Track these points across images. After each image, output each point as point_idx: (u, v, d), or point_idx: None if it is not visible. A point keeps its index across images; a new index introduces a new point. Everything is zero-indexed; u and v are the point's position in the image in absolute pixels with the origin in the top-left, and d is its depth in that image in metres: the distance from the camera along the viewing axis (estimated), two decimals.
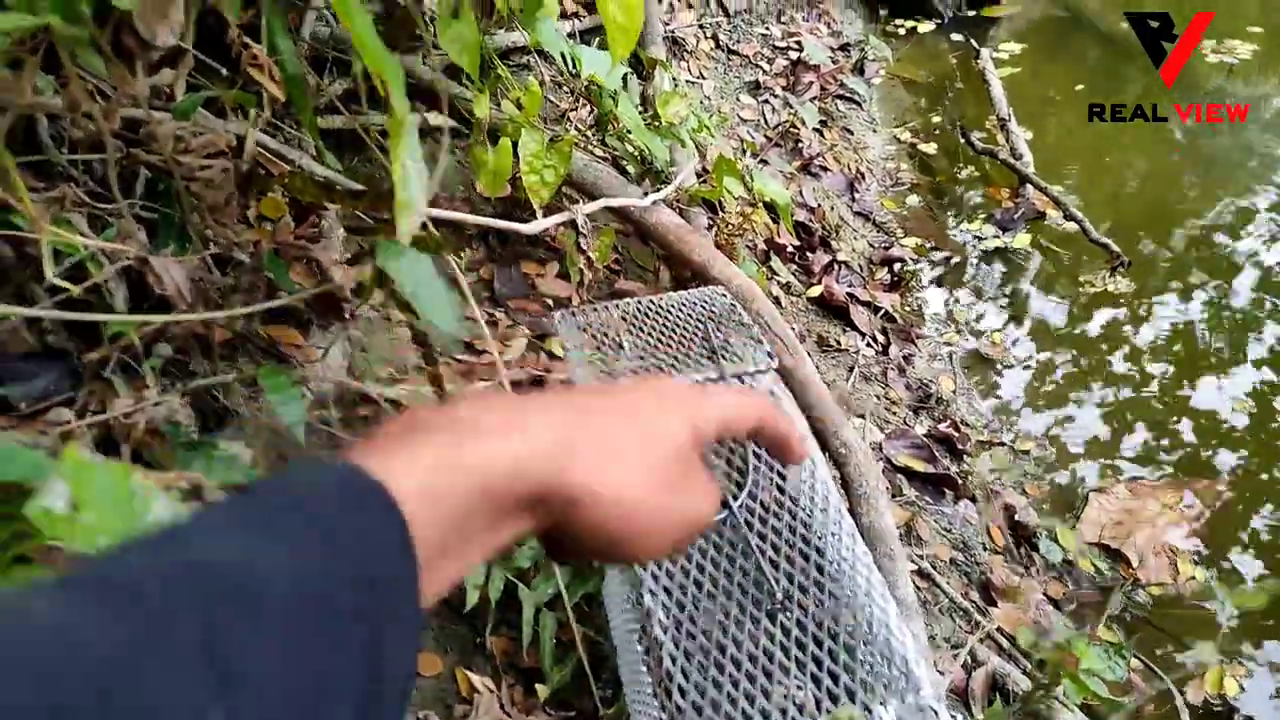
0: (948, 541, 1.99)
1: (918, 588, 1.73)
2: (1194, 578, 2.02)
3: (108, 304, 1.09)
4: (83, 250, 0.99)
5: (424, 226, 0.85)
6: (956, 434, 2.25)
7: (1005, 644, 1.76)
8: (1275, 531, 2.13)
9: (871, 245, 2.96)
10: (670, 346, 1.16)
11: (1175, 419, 2.44)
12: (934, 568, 1.86)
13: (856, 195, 3.12)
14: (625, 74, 1.94)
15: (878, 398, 2.33)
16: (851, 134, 3.48)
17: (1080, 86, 3.97)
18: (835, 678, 0.77)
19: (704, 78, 3.15)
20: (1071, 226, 3.02)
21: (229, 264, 1.19)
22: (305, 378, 1.32)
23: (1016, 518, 2.10)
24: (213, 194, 1.03)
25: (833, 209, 2.93)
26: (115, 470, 0.52)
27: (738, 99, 3.23)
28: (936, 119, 3.71)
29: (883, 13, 4.47)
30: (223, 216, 1.05)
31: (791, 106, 3.30)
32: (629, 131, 1.97)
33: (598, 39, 2.62)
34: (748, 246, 2.31)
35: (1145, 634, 1.90)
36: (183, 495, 0.84)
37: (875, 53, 3.91)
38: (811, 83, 3.47)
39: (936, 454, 2.16)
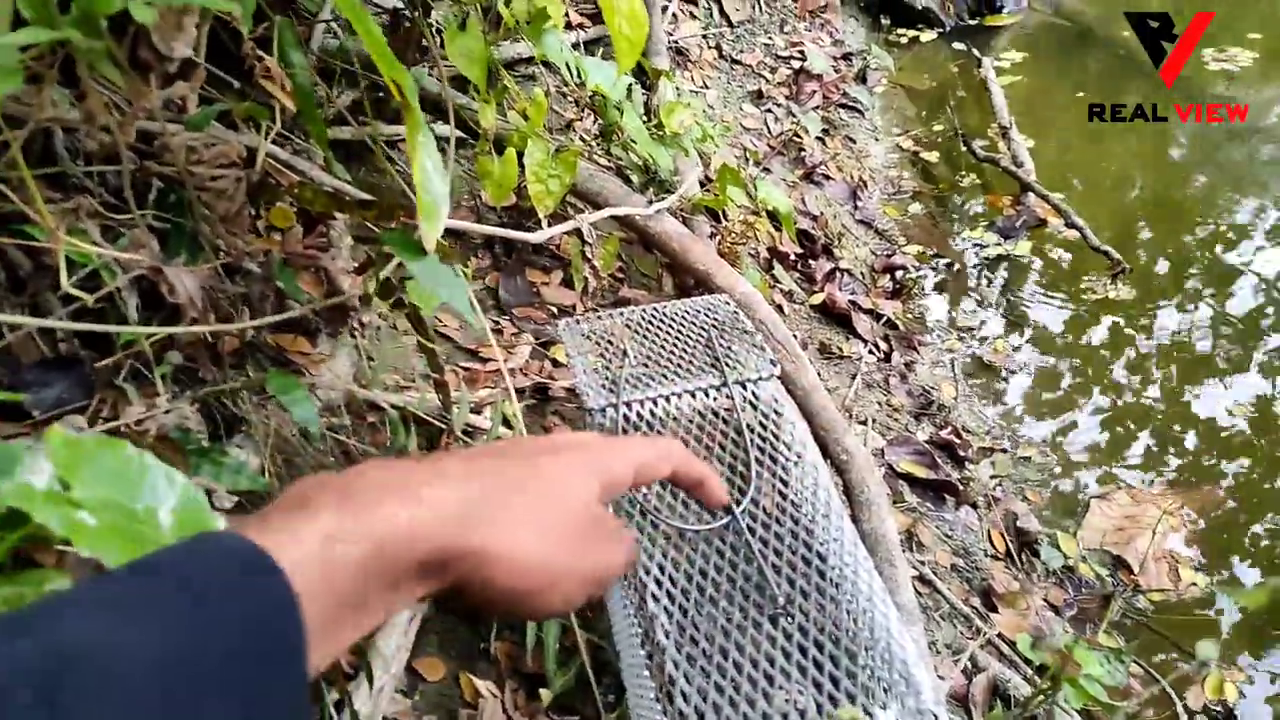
0: (949, 547, 2.00)
1: (919, 593, 1.74)
2: (1195, 584, 2.02)
3: (120, 312, 1.10)
4: (96, 260, 1.01)
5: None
6: (958, 440, 2.27)
7: (1006, 649, 1.77)
8: (1276, 538, 2.14)
9: (874, 253, 2.97)
10: (674, 354, 1.17)
11: (1177, 426, 2.45)
12: (935, 573, 1.87)
13: (859, 203, 3.13)
14: (630, 84, 1.95)
15: (879, 404, 2.34)
16: (854, 142, 3.50)
17: (1081, 94, 3.98)
18: (837, 682, 0.78)
19: (707, 87, 3.17)
20: (1073, 234, 3.03)
21: (238, 273, 1.21)
22: (313, 385, 1.33)
23: (1018, 524, 2.11)
24: (224, 204, 1.05)
25: (835, 217, 2.95)
26: (107, 443, 0.50)
27: (741, 108, 3.24)
28: (938, 127, 3.73)
29: (885, 22, 4.48)
30: (233, 226, 1.07)
31: (794, 115, 3.32)
32: (633, 141, 1.98)
33: (601, 49, 2.64)
34: (751, 254, 2.33)
35: (1145, 640, 1.91)
36: None
37: (877, 62, 3.93)
38: (814, 92, 3.48)
39: (938, 460, 2.17)
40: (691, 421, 1.08)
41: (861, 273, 2.79)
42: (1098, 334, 2.76)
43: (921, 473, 2.13)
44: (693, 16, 3.42)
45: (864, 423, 2.20)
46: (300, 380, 1.11)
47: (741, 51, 3.51)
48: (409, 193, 0.99)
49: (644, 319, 1.23)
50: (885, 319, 2.61)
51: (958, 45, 4.36)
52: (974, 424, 2.42)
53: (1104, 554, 2.09)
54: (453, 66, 1.49)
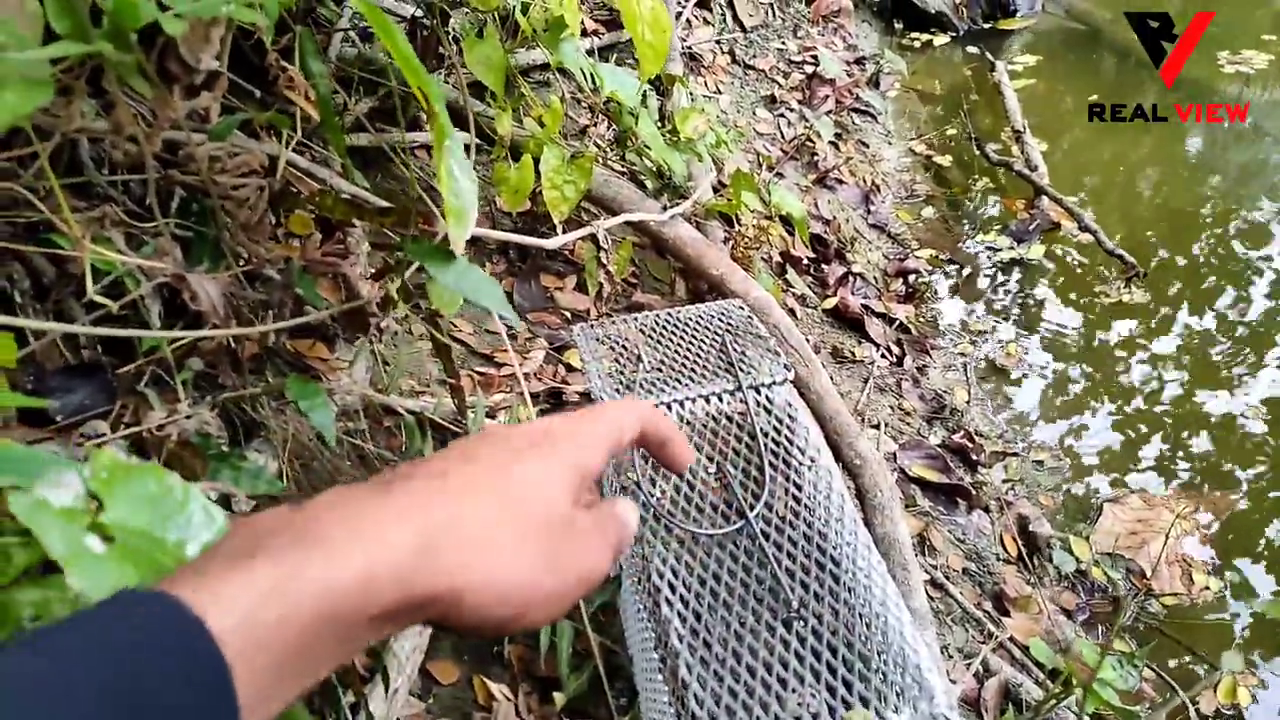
0: (961, 551, 2.01)
1: (931, 597, 1.75)
2: (1208, 588, 2.02)
3: (143, 319, 1.12)
4: (120, 267, 1.02)
5: (446, 239, 0.88)
6: (970, 444, 2.27)
7: (1018, 654, 1.77)
8: None
9: (886, 257, 2.98)
10: (688, 359, 1.18)
11: (1190, 430, 2.45)
12: (947, 577, 1.87)
13: (872, 207, 3.14)
14: (644, 90, 1.97)
15: (892, 408, 2.35)
16: (867, 147, 3.51)
17: (1094, 97, 3.98)
18: (849, 686, 0.79)
19: (721, 92, 3.18)
20: (1086, 237, 3.03)
21: (259, 280, 1.22)
22: (331, 390, 1.35)
23: (1030, 528, 2.11)
24: (245, 212, 1.06)
25: (848, 221, 2.95)
26: (152, 469, 0.50)
27: (754, 113, 3.25)
28: (951, 131, 3.73)
29: (898, 26, 4.49)
30: (254, 234, 1.09)
31: (807, 120, 3.33)
32: (648, 147, 2.00)
33: (615, 55, 2.66)
34: (764, 259, 2.34)
35: (1158, 644, 1.91)
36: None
37: (890, 66, 3.94)
38: (827, 96, 3.49)
39: (950, 464, 2.17)
40: (705, 426, 1.09)
41: (874, 277, 2.80)
42: (1111, 337, 2.76)
43: (934, 477, 2.13)
44: (706, 22, 3.43)
45: (876, 427, 2.21)
46: (319, 386, 1.13)
47: (755, 56, 3.52)
48: (426, 199, 1.00)
49: (658, 324, 1.24)
50: (898, 323, 2.62)
51: (971, 49, 4.37)
52: (986, 428, 2.43)
53: (1117, 558, 2.09)
54: (469, 73, 1.51)
